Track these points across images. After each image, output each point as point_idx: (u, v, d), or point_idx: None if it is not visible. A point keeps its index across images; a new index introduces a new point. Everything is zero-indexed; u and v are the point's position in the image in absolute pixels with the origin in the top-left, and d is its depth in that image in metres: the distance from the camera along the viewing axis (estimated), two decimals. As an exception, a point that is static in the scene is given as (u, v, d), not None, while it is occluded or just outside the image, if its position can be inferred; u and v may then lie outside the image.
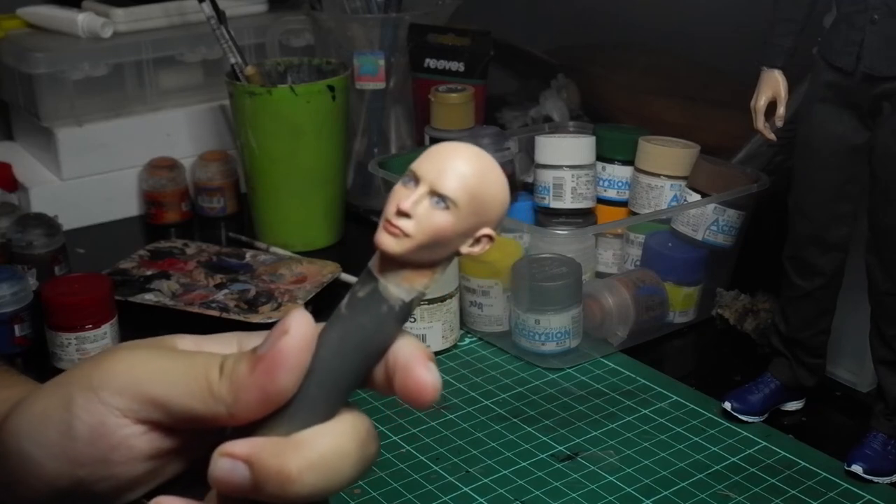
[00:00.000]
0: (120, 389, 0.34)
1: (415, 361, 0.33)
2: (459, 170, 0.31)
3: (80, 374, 0.35)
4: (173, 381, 0.33)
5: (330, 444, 0.33)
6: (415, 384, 0.33)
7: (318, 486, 0.32)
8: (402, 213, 0.31)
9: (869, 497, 0.66)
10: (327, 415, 0.33)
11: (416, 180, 0.31)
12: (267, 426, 0.33)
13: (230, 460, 0.32)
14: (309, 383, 0.32)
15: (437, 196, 0.31)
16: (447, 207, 0.31)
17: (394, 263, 0.32)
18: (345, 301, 0.33)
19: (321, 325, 0.34)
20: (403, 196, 0.31)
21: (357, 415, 0.34)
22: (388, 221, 0.32)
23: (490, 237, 0.32)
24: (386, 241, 0.32)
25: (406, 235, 0.31)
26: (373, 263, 0.33)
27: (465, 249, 0.32)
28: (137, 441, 0.34)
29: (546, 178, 0.94)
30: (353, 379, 0.33)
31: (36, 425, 0.35)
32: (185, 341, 0.37)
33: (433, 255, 0.32)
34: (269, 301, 0.91)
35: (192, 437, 0.35)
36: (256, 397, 0.32)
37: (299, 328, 0.32)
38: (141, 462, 0.34)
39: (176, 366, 0.34)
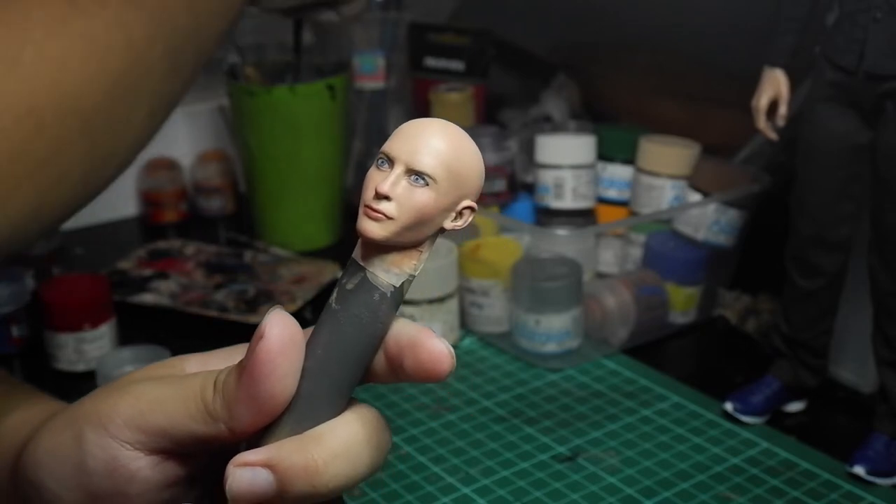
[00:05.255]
0: (126, 423, 0.33)
1: (422, 336, 0.33)
2: (433, 145, 0.31)
3: (90, 409, 0.34)
4: (172, 407, 0.33)
5: (347, 432, 0.32)
6: (429, 355, 0.32)
7: (345, 475, 0.32)
8: (382, 196, 0.31)
9: (871, 499, 0.65)
10: (335, 412, 0.33)
11: (391, 161, 0.31)
12: (275, 434, 0.32)
13: (249, 469, 0.31)
14: (310, 383, 0.32)
15: (415, 174, 0.31)
16: (426, 184, 0.31)
17: (379, 249, 0.32)
18: (334, 296, 0.32)
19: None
20: (380, 179, 0.31)
21: (365, 405, 0.34)
22: (369, 206, 0.31)
23: (472, 208, 0.32)
24: (369, 226, 0.31)
25: (389, 218, 0.31)
26: (356, 253, 0.32)
27: (448, 225, 0.32)
28: (151, 472, 0.34)
29: (546, 178, 0.93)
30: (355, 372, 0.33)
31: (52, 459, 0.35)
32: (192, 362, 0.36)
33: (418, 234, 0.32)
34: (268, 301, 0.91)
35: (206, 461, 0.35)
36: (248, 408, 0.32)
37: (275, 330, 0.31)
38: (158, 491, 0.34)
39: (174, 391, 0.33)
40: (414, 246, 0.32)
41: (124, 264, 0.99)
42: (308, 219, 1.07)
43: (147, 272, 0.97)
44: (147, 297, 0.92)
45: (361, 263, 0.32)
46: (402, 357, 0.33)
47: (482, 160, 0.32)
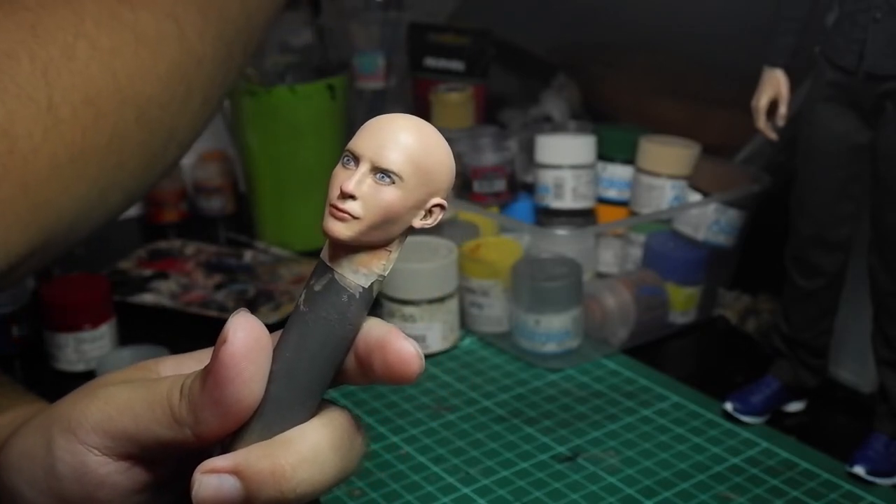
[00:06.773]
0: (94, 428, 0.33)
1: (390, 336, 0.32)
2: (400, 141, 0.30)
3: (61, 414, 0.34)
4: (139, 411, 0.32)
5: (316, 436, 0.32)
6: (397, 356, 0.32)
7: (314, 481, 0.32)
8: (347, 195, 0.30)
9: (871, 499, 0.65)
10: (305, 415, 0.32)
11: (356, 159, 0.30)
12: (243, 439, 0.32)
13: (216, 476, 0.31)
14: (278, 387, 0.31)
15: (381, 171, 0.30)
16: (393, 182, 0.30)
17: (346, 249, 0.31)
18: (302, 297, 0.32)
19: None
20: (345, 177, 0.30)
21: (337, 408, 0.33)
22: (334, 206, 0.30)
23: (442, 206, 0.31)
24: (334, 226, 0.30)
25: (354, 218, 0.30)
26: (324, 253, 0.32)
27: (418, 223, 0.31)
28: (120, 478, 0.34)
29: (546, 177, 0.93)
30: (324, 375, 0.32)
31: (24, 463, 0.35)
32: (167, 364, 0.36)
33: (386, 234, 0.31)
34: (268, 301, 0.91)
35: (176, 466, 0.35)
36: (214, 413, 0.31)
37: (239, 333, 0.30)
38: (128, 497, 0.34)
39: (142, 396, 0.33)
40: (382, 245, 0.31)
41: (124, 264, 0.99)
42: (308, 219, 1.07)
43: (147, 272, 0.97)
44: (147, 297, 0.92)
45: (329, 264, 0.31)
46: (371, 359, 0.32)
47: (452, 156, 0.31)
